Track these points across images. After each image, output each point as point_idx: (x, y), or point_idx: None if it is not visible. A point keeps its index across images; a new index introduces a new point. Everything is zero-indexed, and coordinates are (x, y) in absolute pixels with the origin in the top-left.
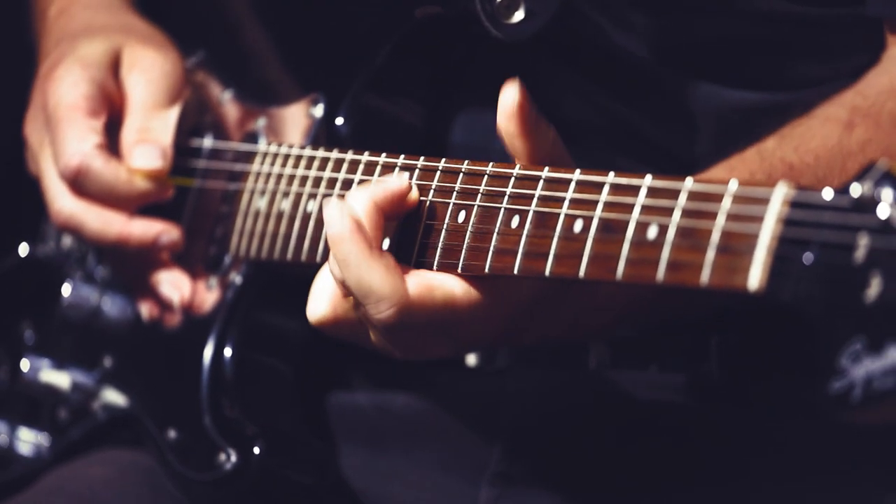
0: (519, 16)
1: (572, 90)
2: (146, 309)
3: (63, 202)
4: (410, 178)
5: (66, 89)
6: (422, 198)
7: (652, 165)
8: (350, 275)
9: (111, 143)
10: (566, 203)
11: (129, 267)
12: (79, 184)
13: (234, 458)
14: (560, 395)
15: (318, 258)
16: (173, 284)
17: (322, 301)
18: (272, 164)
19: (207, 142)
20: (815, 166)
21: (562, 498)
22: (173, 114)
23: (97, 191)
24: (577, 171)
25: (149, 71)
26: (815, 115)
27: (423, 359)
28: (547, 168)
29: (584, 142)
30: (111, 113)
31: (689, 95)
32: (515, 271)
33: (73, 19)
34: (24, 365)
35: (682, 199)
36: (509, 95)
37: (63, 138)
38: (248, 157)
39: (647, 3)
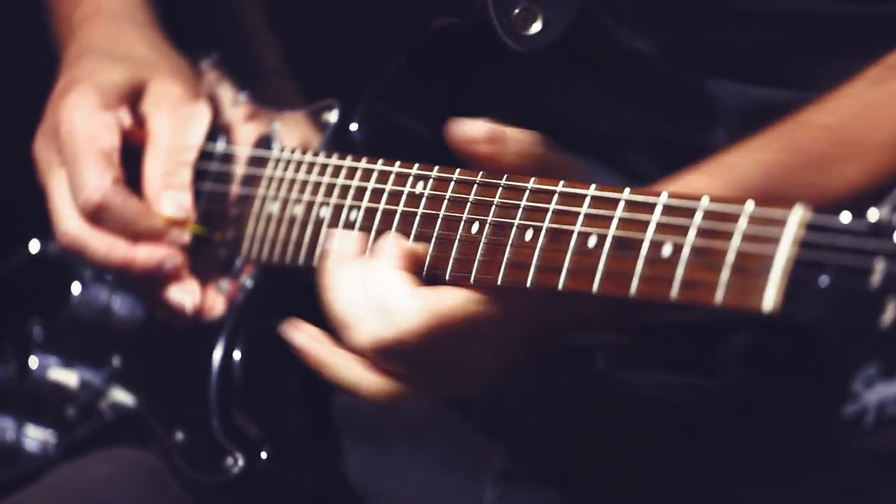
0: (536, 27)
1: (587, 96)
2: (156, 313)
3: (69, 224)
4: (424, 187)
5: (80, 118)
6: (435, 210)
7: (672, 169)
8: None
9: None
10: (580, 219)
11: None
12: (98, 219)
13: (241, 463)
14: (565, 395)
15: None
16: (184, 289)
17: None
18: (285, 169)
19: (220, 145)
20: (850, 128)
21: (566, 497)
22: (195, 147)
23: (115, 226)
24: (593, 186)
25: (176, 110)
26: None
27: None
28: (562, 182)
29: (601, 148)
30: (126, 144)
31: (708, 96)
32: (528, 284)
33: (96, 30)
34: (33, 362)
35: (698, 217)
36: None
37: (82, 172)
38: (261, 161)
39: (660, 8)
